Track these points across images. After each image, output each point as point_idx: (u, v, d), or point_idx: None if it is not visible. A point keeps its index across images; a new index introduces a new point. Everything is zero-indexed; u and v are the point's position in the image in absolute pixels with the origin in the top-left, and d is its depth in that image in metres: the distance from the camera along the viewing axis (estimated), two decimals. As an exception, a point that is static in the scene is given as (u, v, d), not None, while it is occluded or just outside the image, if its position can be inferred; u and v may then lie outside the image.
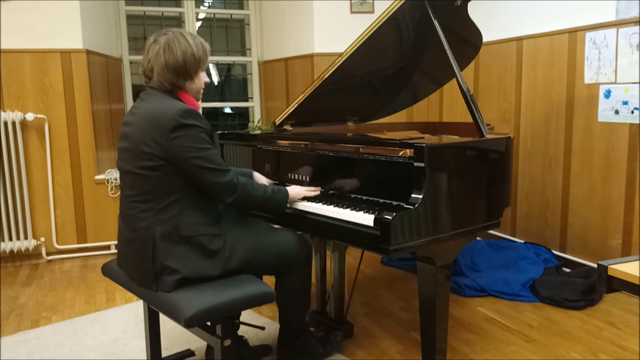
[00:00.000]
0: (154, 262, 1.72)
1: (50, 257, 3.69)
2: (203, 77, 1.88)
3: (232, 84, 6.21)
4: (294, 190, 2.04)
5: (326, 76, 2.39)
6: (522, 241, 3.51)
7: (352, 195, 2.02)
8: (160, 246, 1.72)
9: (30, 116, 3.47)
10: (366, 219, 1.78)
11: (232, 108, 6.30)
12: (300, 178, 2.25)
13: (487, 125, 2.19)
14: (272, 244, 1.93)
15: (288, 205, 2.02)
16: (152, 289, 1.75)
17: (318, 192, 2.11)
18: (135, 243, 1.77)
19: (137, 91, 4.64)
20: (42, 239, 3.63)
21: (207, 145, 1.73)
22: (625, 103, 2.86)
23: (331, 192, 2.11)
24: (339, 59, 2.33)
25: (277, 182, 2.34)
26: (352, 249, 2.45)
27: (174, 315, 1.65)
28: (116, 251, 3.67)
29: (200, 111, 2.08)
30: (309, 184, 2.20)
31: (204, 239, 1.76)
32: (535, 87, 3.42)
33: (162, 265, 1.72)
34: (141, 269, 1.76)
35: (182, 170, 1.72)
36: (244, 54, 5.24)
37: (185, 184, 1.75)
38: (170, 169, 1.72)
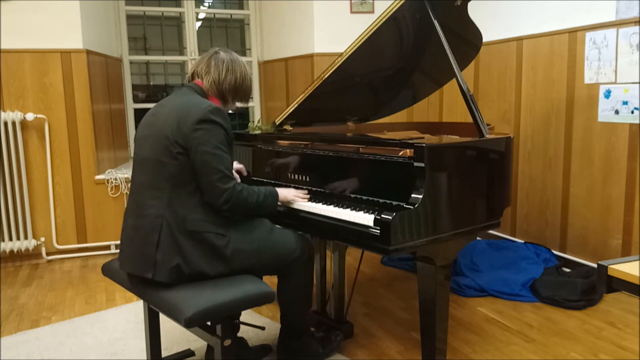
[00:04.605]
0: (157, 249, 1.73)
1: (50, 257, 3.69)
2: (236, 104, 2.04)
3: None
4: (283, 193, 2.05)
5: (326, 76, 2.39)
6: (522, 241, 3.51)
7: (352, 195, 2.02)
8: (166, 235, 1.73)
9: (30, 116, 3.47)
10: (366, 219, 1.78)
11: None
12: (300, 178, 2.25)
13: (487, 125, 2.19)
14: (276, 245, 1.93)
15: (281, 204, 2.05)
16: (147, 276, 1.75)
17: (308, 197, 2.11)
18: (142, 229, 1.78)
19: (137, 91, 4.64)
20: (42, 239, 3.63)
21: (224, 148, 1.79)
22: (625, 103, 2.86)
23: (331, 192, 2.11)
24: (339, 59, 2.33)
25: (277, 182, 2.34)
26: (352, 249, 2.44)
27: (174, 315, 1.65)
28: (116, 251, 3.69)
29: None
30: (309, 184, 2.20)
31: (209, 237, 1.77)
32: (535, 87, 3.42)
33: (164, 254, 1.72)
34: (142, 255, 1.76)
35: (193, 162, 1.75)
36: (244, 54, 5.24)
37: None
38: (187, 160, 1.76)
